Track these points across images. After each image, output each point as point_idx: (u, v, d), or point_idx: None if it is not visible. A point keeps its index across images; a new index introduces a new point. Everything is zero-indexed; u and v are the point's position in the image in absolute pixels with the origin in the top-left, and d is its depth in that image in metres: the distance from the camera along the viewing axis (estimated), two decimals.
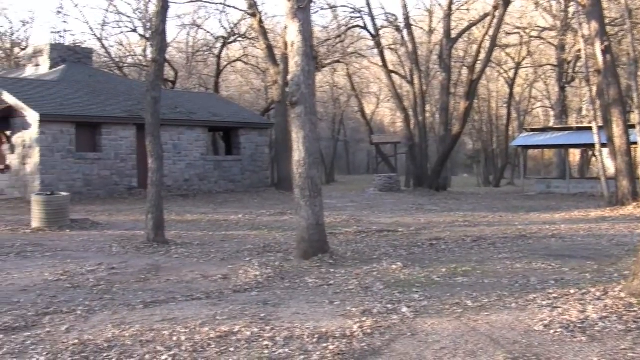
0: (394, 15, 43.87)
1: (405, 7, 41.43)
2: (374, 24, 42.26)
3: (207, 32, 54.34)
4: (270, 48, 37.09)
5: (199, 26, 53.04)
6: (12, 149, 28.12)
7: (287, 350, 7.36)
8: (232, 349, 7.41)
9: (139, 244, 15.72)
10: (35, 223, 19.08)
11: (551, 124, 50.60)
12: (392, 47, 48.02)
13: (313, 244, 13.25)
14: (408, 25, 42.16)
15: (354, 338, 7.74)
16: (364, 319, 8.53)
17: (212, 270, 12.39)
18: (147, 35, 51.78)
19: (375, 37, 42.52)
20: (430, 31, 48.43)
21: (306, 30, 13.48)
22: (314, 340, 7.67)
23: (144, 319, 8.68)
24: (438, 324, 8.27)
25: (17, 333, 8.14)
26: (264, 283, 11.15)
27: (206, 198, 29.63)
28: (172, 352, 7.31)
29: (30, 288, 10.89)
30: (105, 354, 7.29)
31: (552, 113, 59.29)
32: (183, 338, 7.79)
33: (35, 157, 27.31)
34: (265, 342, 7.60)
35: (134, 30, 52.38)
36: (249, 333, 7.95)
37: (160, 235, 15.96)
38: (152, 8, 50.40)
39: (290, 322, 8.42)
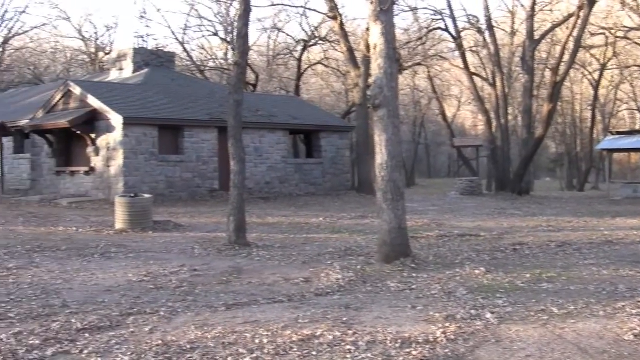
0: (475, 17, 43.37)
1: (487, 8, 41.08)
2: (456, 26, 41.93)
3: (288, 35, 54.74)
4: (351, 51, 37.09)
5: (279, 29, 53.40)
6: (97, 152, 28.65)
7: (369, 355, 7.28)
8: (314, 353, 7.36)
9: (221, 246, 15.82)
10: (118, 224, 19.38)
11: (638, 127, 49.44)
12: (474, 49, 47.56)
13: (395, 247, 13.15)
14: (490, 27, 41.71)
15: (437, 344, 7.63)
16: (447, 324, 8.40)
17: (294, 273, 12.38)
18: (228, 39, 52.37)
19: (457, 39, 42.18)
20: (513, 33, 47.84)
21: (389, 32, 13.39)
22: (397, 345, 7.58)
23: (227, 321, 8.69)
24: (523, 331, 8.09)
25: (102, 332, 8.23)
26: (345, 287, 11.09)
27: (287, 201, 29.72)
28: (254, 355, 7.30)
29: (114, 288, 11.04)
30: (188, 356, 7.32)
31: (638, 116, 58.02)
32: (265, 341, 7.77)
33: (119, 160, 27.78)
34: (348, 347, 7.54)
35: (215, 34, 53.02)
36: (331, 337, 7.90)
37: (242, 237, 16.04)
38: (233, 12, 51.04)
39: (373, 327, 8.34)
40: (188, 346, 7.63)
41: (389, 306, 9.53)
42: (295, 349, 7.48)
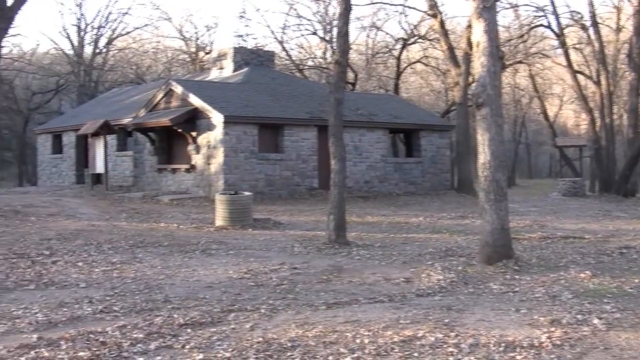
0: (579, 13, 42.44)
1: (591, 4, 40.03)
2: (558, 23, 41.05)
3: (387, 33, 54.43)
4: (451, 49, 36.70)
5: (378, 28, 53.25)
6: (198, 150, 29.04)
7: (472, 358, 7.14)
8: (415, 354, 7.26)
9: (321, 244, 15.82)
10: (219, 221, 19.59)
11: None
12: (577, 46, 46.47)
13: (497, 249, 12.90)
14: (594, 23, 40.67)
15: (542, 349, 7.42)
16: (553, 329, 8.17)
17: (394, 273, 12.28)
18: (327, 38, 52.50)
19: (560, 36, 41.28)
20: (618, 29, 46.48)
21: (492, 30, 13.15)
22: (500, 349, 7.41)
23: (327, 320, 8.66)
24: (634, 339, 7.80)
25: (203, 328, 8.30)
26: (447, 287, 10.93)
27: (386, 200, 29.58)
28: (355, 355, 7.24)
29: (215, 285, 11.14)
30: (288, 354, 7.31)
31: None
32: (366, 341, 7.70)
33: (219, 157, 28.09)
34: (450, 349, 7.41)
35: (314, 33, 53.20)
36: (432, 338, 7.78)
37: (342, 236, 16.01)
38: (332, 11, 51.20)
39: (475, 329, 8.18)
40: (289, 344, 7.63)
41: (491, 308, 9.34)
42: (396, 350, 7.39)
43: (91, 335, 7.84)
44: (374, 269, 12.78)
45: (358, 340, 7.72)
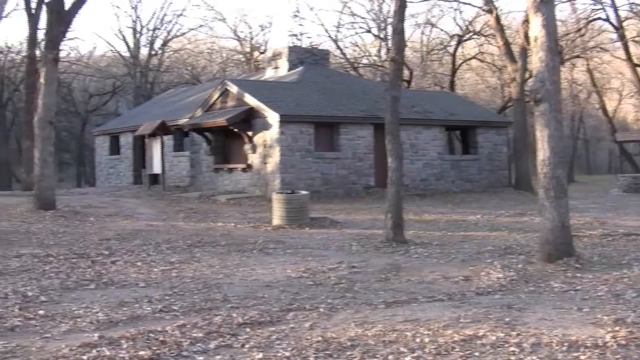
0: (638, 5, 41.65)
1: None
2: (617, 16, 40.49)
3: (442, 30, 54.03)
4: (507, 45, 36.30)
5: (433, 25, 52.97)
6: (254, 149, 29.15)
7: (534, 357, 7.00)
8: (476, 354, 7.15)
9: (378, 243, 15.74)
10: (276, 220, 19.62)
11: None
12: (637, 39, 45.68)
13: (557, 246, 12.69)
14: None
15: (607, 349, 7.25)
16: (617, 328, 7.98)
17: (453, 271, 12.16)
18: (381, 36, 52.35)
19: (619, 29, 40.69)
20: None
21: (550, 24, 12.94)
22: (564, 348, 7.27)
23: (386, 319, 8.59)
24: None
25: (262, 327, 8.28)
26: (507, 286, 10.78)
27: (443, 198, 29.39)
28: (415, 354, 7.16)
29: (273, 284, 11.13)
30: (348, 353, 7.25)
31: None
32: (426, 340, 7.62)
33: (275, 157, 28.16)
34: (512, 348, 7.28)
35: (369, 31, 53.11)
36: (494, 338, 7.66)
37: (399, 234, 15.91)
38: (386, 8, 51.03)
39: (537, 328, 8.03)
40: (348, 343, 7.57)
41: (553, 307, 9.19)
42: (457, 349, 7.29)
43: (151, 334, 7.87)
44: (432, 267, 12.67)
45: (418, 340, 7.64)
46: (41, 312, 8.94)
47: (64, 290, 10.58)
